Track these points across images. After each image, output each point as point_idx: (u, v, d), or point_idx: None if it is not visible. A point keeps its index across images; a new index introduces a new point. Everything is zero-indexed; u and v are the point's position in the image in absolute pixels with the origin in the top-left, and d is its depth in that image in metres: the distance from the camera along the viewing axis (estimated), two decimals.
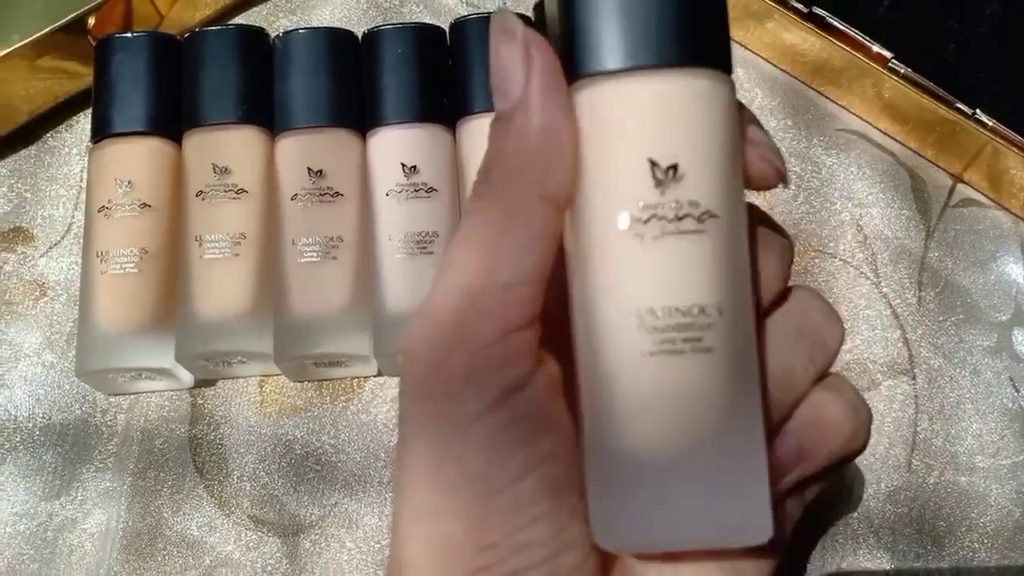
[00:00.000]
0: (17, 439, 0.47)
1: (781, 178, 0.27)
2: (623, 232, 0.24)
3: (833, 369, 0.31)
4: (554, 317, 0.26)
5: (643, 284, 0.24)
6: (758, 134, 0.27)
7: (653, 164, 0.24)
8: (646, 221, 0.24)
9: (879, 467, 0.46)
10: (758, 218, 0.30)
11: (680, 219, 0.24)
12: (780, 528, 0.27)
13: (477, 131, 0.48)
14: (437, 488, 0.25)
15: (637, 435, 0.24)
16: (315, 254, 0.45)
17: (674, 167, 0.24)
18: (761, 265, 0.28)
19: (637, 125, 0.24)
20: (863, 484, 0.45)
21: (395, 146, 0.47)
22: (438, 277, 0.25)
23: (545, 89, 0.24)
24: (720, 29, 0.26)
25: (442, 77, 0.49)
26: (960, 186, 0.51)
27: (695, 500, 0.24)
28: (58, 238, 0.51)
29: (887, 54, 0.48)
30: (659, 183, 0.24)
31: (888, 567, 0.44)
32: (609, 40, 0.24)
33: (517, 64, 0.24)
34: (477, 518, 0.24)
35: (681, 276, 0.24)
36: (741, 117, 0.27)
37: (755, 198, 0.50)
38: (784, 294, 0.30)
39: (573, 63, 0.25)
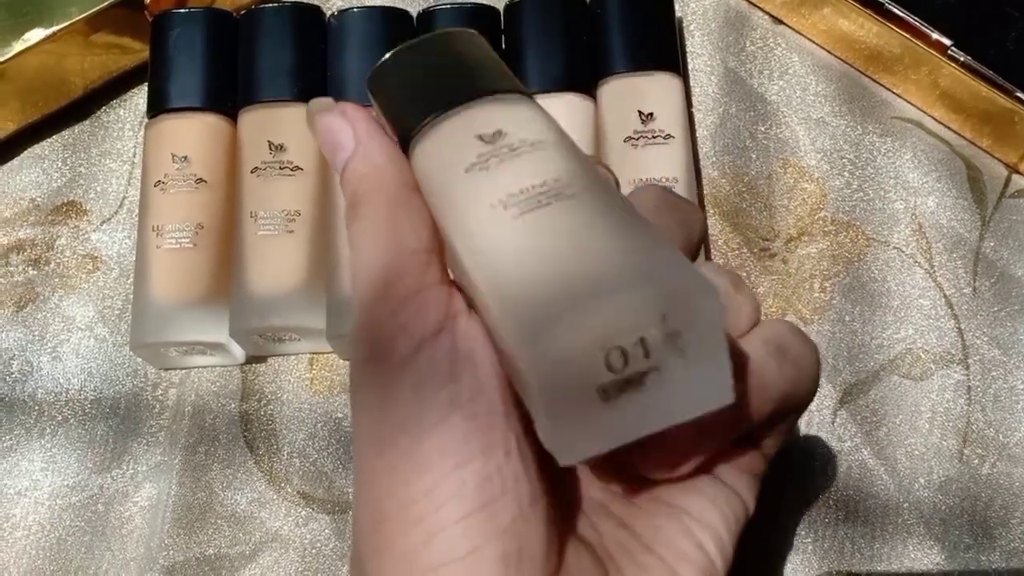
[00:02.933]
0: (68, 412, 0.47)
1: None
2: (467, 174, 0.28)
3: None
4: None
5: (500, 184, 0.27)
6: None
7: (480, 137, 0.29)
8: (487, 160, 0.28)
9: (931, 457, 0.46)
10: (654, 203, 0.30)
11: (515, 149, 0.28)
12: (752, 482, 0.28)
13: None
14: (376, 449, 0.26)
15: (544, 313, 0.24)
16: None
17: (499, 131, 0.28)
18: None
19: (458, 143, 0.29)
20: (914, 474, 0.45)
21: None
22: (354, 281, 0.28)
23: (371, 132, 0.29)
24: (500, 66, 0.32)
25: None
26: (1016, 176, 0.51)
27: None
28: (111, 212, 0.51)
29: (947, 42, 0.48)
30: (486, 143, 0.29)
31: (938, 558, 0.44)
32: (424, 97, 0.30)
33: (342, 124, 0.29)
34: (411, 467, 0.25)
35: (531, 170, 0.27)
36: None
37: (811, 185, 0.50)
38: None
39: (407, 127, 0.29)
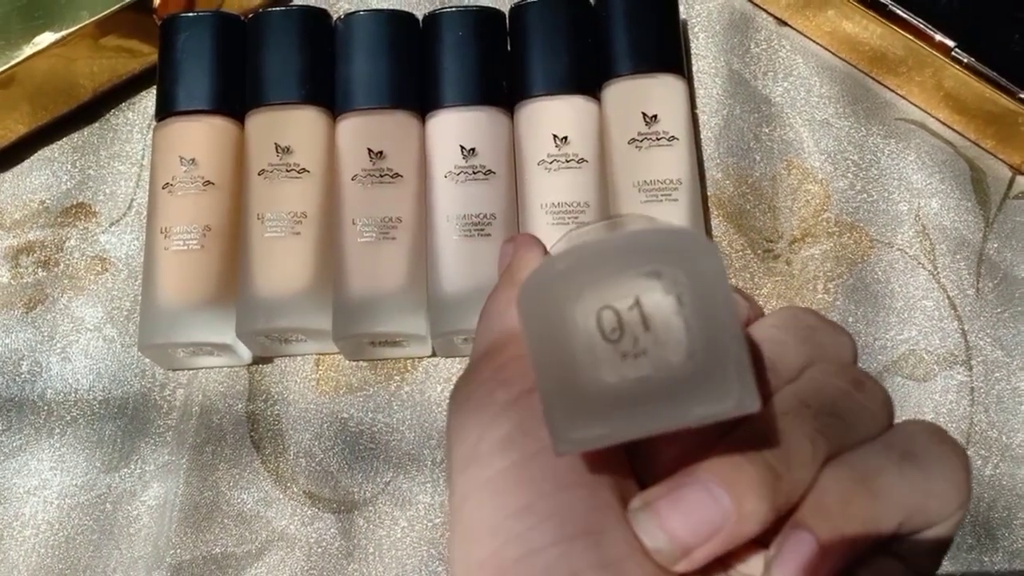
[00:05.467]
0: (77, 412, 0.48)
1: None
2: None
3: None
4: None
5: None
6: None
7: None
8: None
9: None
10: (807, 323, 0.27)
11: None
12: None
13: (535, 115, 0.48)
14: (475, 468, 0.25)
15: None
16: (374, 234, 0.46)
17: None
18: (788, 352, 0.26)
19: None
20: None
21: (454, 128, 0.48)
22: (476, 334, 0.29)
23: (504, 278, 0.30)
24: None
25: (501, 60, 0.49)
26: (1020, 178, 0.51)
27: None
28: (120, 215, 0.51)
29: (950, 43, 0.48)
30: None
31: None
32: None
33: (505, 256, 0.31)
34: (511, 483, 0.24)
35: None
36: None
37: (815, 186, 0.50)
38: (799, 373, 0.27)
39: None
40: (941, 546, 0.25)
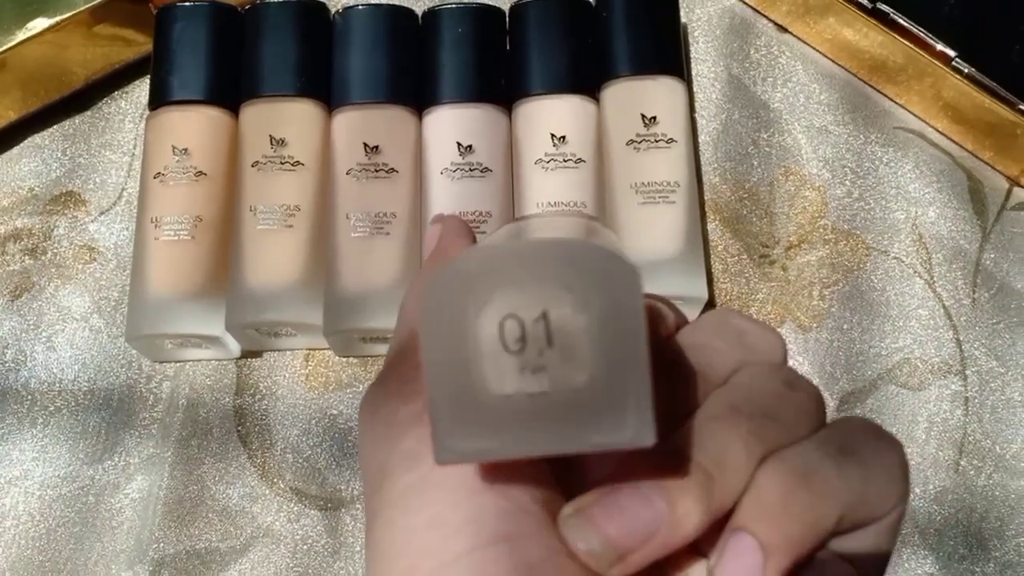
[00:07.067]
0: (61, 402, 0.47)
1: None
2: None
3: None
4: None
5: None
6: None
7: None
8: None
9: (927, 467, 0.45)
10: (736, 325, 0.27)
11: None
12: None
13: (533, 113, 0.48)
14: (389, 482, 0.24)
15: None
16: (367, 229, 0.45)
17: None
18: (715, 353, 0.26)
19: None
20: (910, 484, 0.45)
21: (451, 125, 0.47)
22: (392, 341, 0.29)
23: (427, 267, 0.32)
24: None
25: (500, 58, 0.49)
26: (1017, 189, 0.51)
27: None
28: (110, 204, 0.51)
29: (951, 53, 0.48)
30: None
31: (932, 568, 0.44)
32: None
33: (432, 238, 0.32)
34: (419, 495, 0.23)
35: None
36: None
37: (812, 193, 0.50)
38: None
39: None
40: (884, 545, 0.25)
